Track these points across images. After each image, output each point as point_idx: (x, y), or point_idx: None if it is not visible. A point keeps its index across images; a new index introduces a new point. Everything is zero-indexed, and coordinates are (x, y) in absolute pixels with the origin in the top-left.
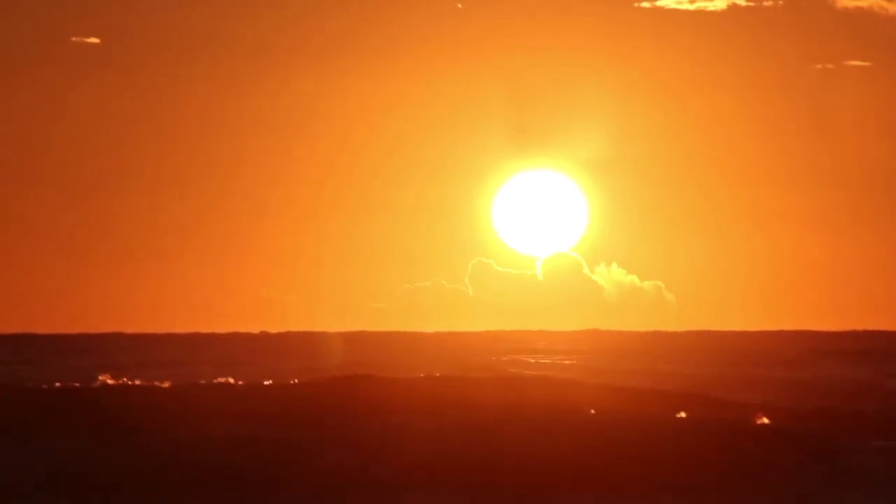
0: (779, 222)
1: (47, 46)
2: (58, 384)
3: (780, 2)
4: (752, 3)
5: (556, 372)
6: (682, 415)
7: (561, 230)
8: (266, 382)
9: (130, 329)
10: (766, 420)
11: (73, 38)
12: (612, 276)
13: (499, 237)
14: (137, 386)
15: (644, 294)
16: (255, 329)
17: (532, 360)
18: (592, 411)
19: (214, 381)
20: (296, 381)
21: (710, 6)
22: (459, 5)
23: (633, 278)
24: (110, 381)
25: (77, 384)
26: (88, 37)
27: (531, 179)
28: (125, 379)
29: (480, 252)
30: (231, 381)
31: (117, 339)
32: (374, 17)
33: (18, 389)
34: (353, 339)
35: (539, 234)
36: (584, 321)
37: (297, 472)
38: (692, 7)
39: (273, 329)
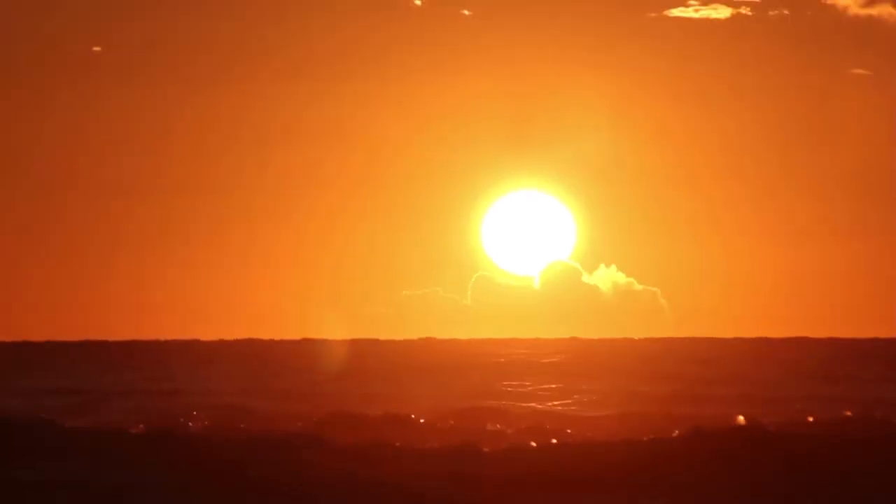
0: (780, 230)
1: (50, 54)
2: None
3: (785, 11)
4: (755, 12)
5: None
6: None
7: (553, 245)
8: None
9: (129, 336)
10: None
11: (76, 48)
12: (608, 279)
13: (492, 260)
14: None
15: (639, 302)
16: (255, 336)
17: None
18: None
19: None
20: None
21: (714, 14)
22: (466, 12)
23: (632, 280)
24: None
25: None
26: (91, 45)
27: (529, 195)
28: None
29: (481, 268)
30: None
31: (115, 345)
32: (377, 23)
33: None
34: (348, 348)
35: (533, 251)
36: (574, 331)
37: None
38: (696, 15)
39: (273, 336)
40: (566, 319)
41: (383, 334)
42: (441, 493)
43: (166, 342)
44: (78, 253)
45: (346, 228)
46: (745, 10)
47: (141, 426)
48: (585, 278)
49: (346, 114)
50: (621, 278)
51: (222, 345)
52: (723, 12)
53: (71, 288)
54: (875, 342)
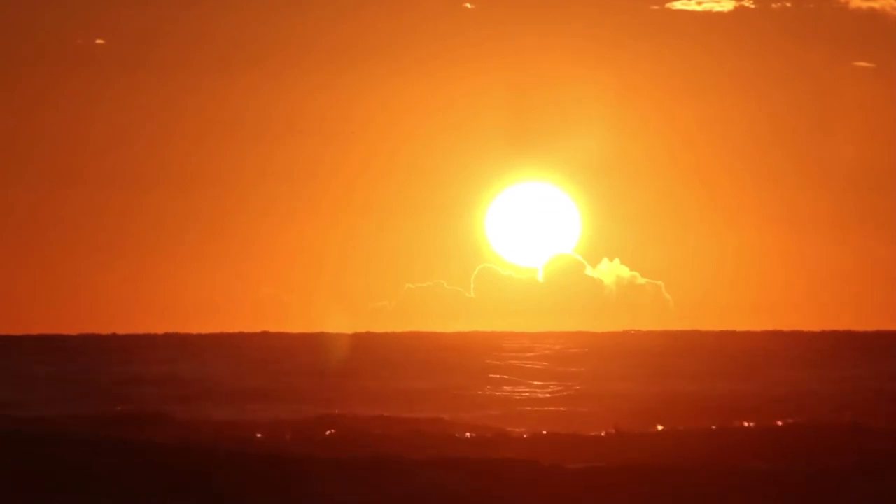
0: (784, 222)
1: (53, 47)
2: None
3: (787, 4)
4: (758, 5)
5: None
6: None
7: (557, 238)
8: None
9: (126, 329)
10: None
11: (79, 40)
12: (611, 273)
13: (496, 252)
14: None
15: (643, 295)
16: (256, 329)
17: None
18: None
19: None
20: None
21: (717, 7)
22: (468, 5)
23: (636, 274)
24: None
25: None
26: (94, 38)
27: (533, 188)
28: None
29: (485, 260)
30: None
31: (114, 339)
32: (381, 16)
33: None
34: (347, 342)
35: (536, 243)
36: (578, 324)
37: None
38: (699, 8)
39: (273, 329)
40: (569, 313)
41: (388, 328)
42: None
43: (167, 336)
44: (81, 245)
45: (349, 221)
46: (747, 3)
47: None
48: (589, 271)
49: (349, 107)
50: (625, 272)
51: (216, 338)
52: (726, 5)
53: (71, 281)
54: (880, 335)
